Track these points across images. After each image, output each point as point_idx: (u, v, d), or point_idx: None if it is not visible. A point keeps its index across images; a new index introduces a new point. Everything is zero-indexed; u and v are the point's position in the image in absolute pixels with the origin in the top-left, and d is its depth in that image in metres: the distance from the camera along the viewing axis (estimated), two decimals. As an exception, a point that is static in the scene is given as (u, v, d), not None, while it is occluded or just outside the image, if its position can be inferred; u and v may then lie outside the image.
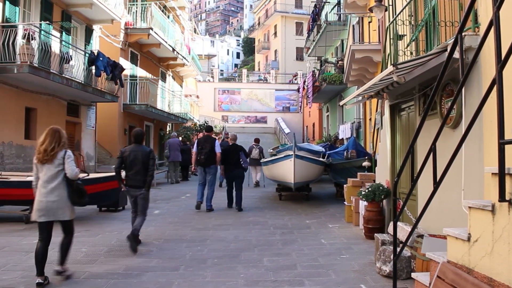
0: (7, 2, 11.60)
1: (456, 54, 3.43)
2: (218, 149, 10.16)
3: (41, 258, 4.86)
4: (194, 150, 10.63)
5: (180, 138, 19.37)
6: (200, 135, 18.66)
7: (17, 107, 12.31)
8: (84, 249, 6.48)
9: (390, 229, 5.93)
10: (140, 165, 6.68)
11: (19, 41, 11.41)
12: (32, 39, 11.32)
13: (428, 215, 3.82)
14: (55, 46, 13.09)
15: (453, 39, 3.48)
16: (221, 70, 58.08)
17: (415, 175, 3.81)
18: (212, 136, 10.61)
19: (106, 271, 5.40)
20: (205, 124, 23.39)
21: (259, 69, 56.28)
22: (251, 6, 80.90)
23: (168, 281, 4.99)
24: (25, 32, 11.37)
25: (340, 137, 19.96)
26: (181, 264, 5.71)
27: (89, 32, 15.88)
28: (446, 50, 4.38)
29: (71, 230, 5.26)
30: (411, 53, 6.67)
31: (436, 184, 3.31)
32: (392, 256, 4.71)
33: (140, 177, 6.67)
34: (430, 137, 4.98)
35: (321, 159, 12.06)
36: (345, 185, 9.42)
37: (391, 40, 7.19)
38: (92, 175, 9.56)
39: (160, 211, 9.91)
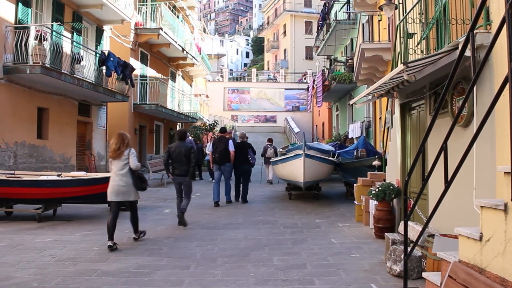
0: (19, 4, 11.75)
1: (468, 52, 3.41)
2: (231, 148, 11.08)
3: (111, 227, 6.43)
4: (210, 150, 11.63)
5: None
6: (210, 134, 18.78)
7: (30, 107, 12.46)
8: (95, 247, 6.54)
9: (401, 228, 5.91)
10: (184, 158, 8.28)
11: (32, 42, 11.55)
12: (44, 40, 11.45)
13: (439, 215, 3.81)
14: (67, 47, 13.23)
15: (464, 37, 3.46)
16: (231, 70, 58.15)
17: (426, 174, 3.79)
18: (226, 136, 11.67)
19: (117, 269, 5.45)
20: (215, 123, 23.46)
21: (268, 68, 56.23)
22: (260, 5, 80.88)
23: (178, 280, 5.02)
24: (37, 33, 11.51)
25: (349, 136, 19.89)
26: (192, 263, 5.74)
27: (99, 33, 16.01)
28: (457, 48, 4.34)
29: (135, 208, 7.01)
30: (422, 52, 6.62)
31: (448, 183, 3.29)
32: (402, 256, 4.69)
33: (184, 167, 8.27)
34: (440, 136, 4.95)
35: (331, 158, 12.03)
36: (355, 184, 9.39)
37: (401, 38, 7.15)
38: (103, 174, 9.65)
39: (171, 210, 9.95)
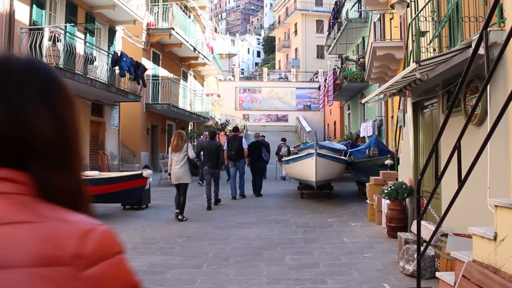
0: (34, 6, 11.90)
1: (481, 50, 3.38)
2: (245, 145, 12.10)
3: (178, 202, 8.70)
4: (225, 148, 12.17)
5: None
6: (222, 133, 19.04)
7: (44, 107, 12.61)
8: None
9: (413, 227, 5.87)
10: (214, 153, 10.27)
11: (46, 43, 11.69)
12: (57, 41, 11.59)
13: (452, 214, 3.78)
14: (80, 48, 13.37)
15: (477, 35, 3.44)
16: (242, 69, 58.19)
17: (439, 173, 3.77)
18: (239, 135, 12.71)
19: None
20: (227, 123, 23.55)
21: (279, 67, 56.17)
22: (271, 4, 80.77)
23: (191, 278, 5.06)
24: (51, 34, 11.65)
25: (361, 135, 19.79)
26: (204, 262, 5.77)
27: (112, 33, 16.15)
28: (470, 46, 4.31)
29: (186, 191, 8.79)
30: (434, 50, 6.58)
31: (461, 182, 3.27)
32: (415, 255, 4.67)
33: (214, 161, 10.26)
34: (453, 134, 4.92)
35: (343, 157, 11.99)
36: (367, 184, 9.35)
37: (414, 36, 7.10)
38: (116, 174, 9.76)
39: None
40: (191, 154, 8.71)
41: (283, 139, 17.45)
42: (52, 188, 0.73)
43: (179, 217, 8.62)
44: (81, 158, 0.83)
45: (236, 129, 13.32)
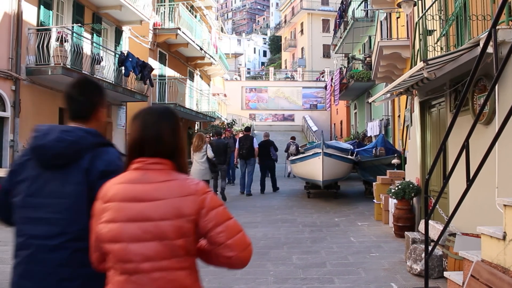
0: (41, 7, 11.98)
1: (490, 49, 3.36)
2: (256, 145, 12.82)
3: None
4: (236, 147, 13.19)
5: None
6: (227, 133, 19.18)
7: (51, 107, 12.70)
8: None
9: (421, 227, 5.85)
10: (222, 150, 11.46)
11: (53, 43, 11.76)
12: (65, 42, 11.65)
13: (460, 213, 3.77)
14: (87, 48, 13.44)
15: (486, 33, 3.42)
16: (248, 69, 58.20)
17: (446, 172, 3.75)
18: (250, 135, 13.48)
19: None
20: (233, 122, 23.66)
21: (286, 67, 56.12)
22: (277, 4, 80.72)
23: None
24: (58, 34, 11.72)
25: (368, 135, 19.74)
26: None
27: (119, 33, 16.21)
28: (478, 44, 4.29)
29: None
30: (441, 49, 6.55)
31: (470, 181, 3.25)
32: (423, 255, 4.65)
33: (222, 157, 11.43)
34: (461, 134, 4.90)
35: (349, 156, 11.97)
36: (374, 183, 9.33)
37: (421, 35, 7.07)
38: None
39: None
40: (210, 153, 9.81)
41: (293, 138, 17.65)
42: (179, 165, 1.70)
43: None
44: (185, 152, 1.78)
45: (248, 129, 14.13)
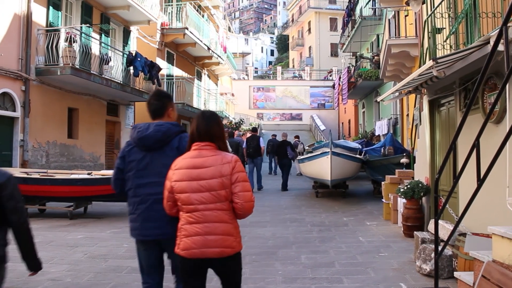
0: (50, 8, 12.07)
1: (500, 47, 3.32)
2: (262, 144, 13.56)
3: None
4: (244, 146, 13.59)
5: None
6: (236, 132, 19.57)
7: (60, 107, 12.79)
8: (125, 244, 6.68)
9: (430, 227, 5.81)
10: (234, 149, 12.23)
11: (62, 44, 11.85)
12: (73, 42, 11.74)
13: (470, 213, 3.73)
14: (95, 48, 13.52)
15: (496, 31, 3.38)
16: (256, 68, 58.17)
17: (456, 172, 3.72)
18: (257, 135, 14.18)
19: (147, 266, 5.54)
20: (241, 122, 23.74)
21: (293, 66, 56.05)
22: (284, 3, 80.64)
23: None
24: (67, 35, 11.81)
25: (376, 134, 19.64)
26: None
27: (126, 33, 16.29)
28: (488, 42, 4.24)
29: None
30: (450, 47, 6.49)
31: (480, 181, 3.22)
32: (432, 255, 4.62)
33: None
34: (471, 132, 4.85)
35: (358, 156, 11.92)
36: (382, 182, 9.28)
37: (429, 33, 7.02)
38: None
39: None
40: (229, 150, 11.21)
41: (297, 137, 17.69)
42: (220, 146, 2.76)
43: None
44: (224, 138, 2.86)
45: (254, 129, 14.97)
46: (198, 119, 2.83)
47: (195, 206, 2.65)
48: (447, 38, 6.61)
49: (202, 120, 2.81)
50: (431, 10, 7.07)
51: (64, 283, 4.86)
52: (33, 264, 2.95)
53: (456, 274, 3.83)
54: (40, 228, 7.92)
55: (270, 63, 74.01)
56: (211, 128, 2.79)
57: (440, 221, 5.13)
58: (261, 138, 13.83)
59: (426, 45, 7.47)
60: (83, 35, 12.48)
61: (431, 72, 5.19)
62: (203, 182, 2.65)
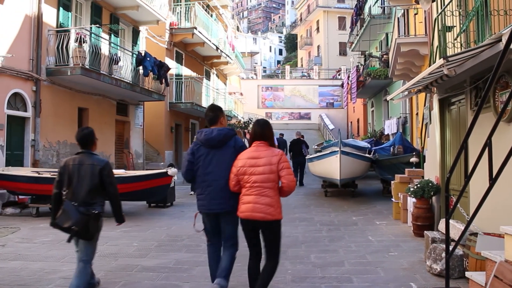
0: (61, 9, 12.16)
1: (513, 45, 3.29)
2: (275, 142, 13.97)
3: None
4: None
5: None
6: (245, 131, 19.72)
7: (71, 107, 12.89)
8: (135, 243, 6.72)
9: (441, 226, 5.77)
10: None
11: (72, 44, 11.93)
12: (83, 42, 11.81)
13: (481, 213, 3.70)
14: (105, 48, 13.60)
15: (509, 28, 3.35)
16: (264, 67, 58.19)
17: (468, 171, 3.69)
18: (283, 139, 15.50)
19: (157, 264, 5.58)
20: (249, 121, 23.86)
21: (302, 65, 55.93)
22: (292, 2, 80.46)
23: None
24: (77, 36, 11.89)
25: (385, 133, 19.54)
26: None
27: (136, 34, 16.36)
28: (500, 40, 4.20)
29: None
30: (461, 45, 6.44)
31: (492, 180, 3.19)
32: (443, 254, 4.59)
33: None
34: (482, 132, 4.82)
35: (367, 155, 11.87)
36: (392, 182, 9.23)
37: (440, 32, 6.97)
38: (141, 172, 9.89)
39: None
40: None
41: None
42: (271, 144, 4.07)
43: None
44: (274, 138, 4.26)
45: (281, 135, 16.09)
46: (255, 126, 4.14)
47: (251, 184, 3.89)
48: (457, 36, 6.56)
49: (258, 126, 4.11)
50: (441, 8, 7.02)
51: (75, 282, 4.90)
52: (120, 219, 4.50)
53: (467, 274, 3.81)
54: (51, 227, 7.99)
55: (278, 62, 73.93)
56: (264, 132, 4.06)
57: (451, 221, 5.09)
58: (275, 137, 14.17)
59: (436, 43, 7.42)
60: (92, 35, 12.56)
61: (442, 70, 5.16)
62: (258, 168, 3.88)
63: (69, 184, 4.13)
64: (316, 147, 16.45)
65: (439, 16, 7.03)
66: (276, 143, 14.41)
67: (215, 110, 4.39)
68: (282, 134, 19.07)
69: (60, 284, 4.84)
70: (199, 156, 4.18)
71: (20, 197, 9.83)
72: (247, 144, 4.31)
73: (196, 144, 4.27)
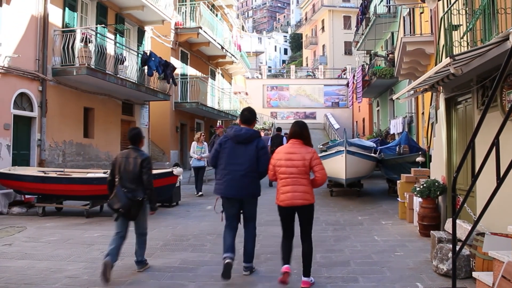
0: (66, 9, 12.21)
1: (520, 43, 3.26)
2: (285, 142, 14.05)
3: None
4: (269, 144, 13.67)
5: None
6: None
7: (76, 107, 12.94)
8: (141, 243, 6.72)
9: (447, 226, 5.74)
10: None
11: (78, 44, 11.98)
12: (89, 42, 11.85)
13: (489, 212, 3.67)
14: (110, 48, 13.64)
15: (516, 28, 3.31)
16: (269, 67, 58.09)
17: (475, 170, 3.66)
18: (281, 134, 14.79)
19: (163, 264, 5.59)
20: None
21: (307, 64, 55.84)
22: (297, 1, 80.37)
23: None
24: (83, 36, 11.94)
25: (391, 132, 19.48)
26: (235, 259, 5.79)
27: (141, 33, 16.40)
28: (507, 39, 4.17)
29: None
30: (467, 44, 6.40)
31: (500, 180, 3.17)
32: (449, 254, 4.57)
33: None
34: (489, 131, 4.78)
35: (372, 154, 11.83)
36: (398, 181, 9.20)
37: (446, 30, 6.93)
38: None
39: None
40: None
41: (280, 129, 15.78)
42: (307, 143, 4.81)
43: None
44: (310, 137, 4.89)
45: (279, 129, 15.65)
46: (295, 126, 4.86)
47: (287, 175, 4.64)
48: (464, 35, 6.52)
49: (297, 127, 4.83)
50: (447, 6, 6.98)
51: (81, 281, 4.92)
52: (153, 207, 5.34)
53: (474, 274, 3.78)
54: (57, 226, 8.04)
55: (283, 61, 73.87)
56: (302, 132, 4.79)
57: (457, 220, 5.06)
58: (284, 137, 14.09)
59: (442, 42, 7.39)
60: (98, 35, 12.60)
61: (448, 69, 5.13)
62: (294, 162, 4.63)
63: (118, 173, 5.22)
64: (321, 146, 16.39)
65: (445, 15, 7.00)
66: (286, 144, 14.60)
67: (252, 113, 5.30)
68: (285, 134, 19.03)
69: (66, 283, 4.86)
70: (225, 148, 4.99)
71: (27, 196, 9.88)
72: (285, 143, 5.47)
73: (225, 137, 5.08)
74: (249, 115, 5.20)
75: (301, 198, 4.59)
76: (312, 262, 4.76)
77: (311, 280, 4.72)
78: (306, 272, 4.69)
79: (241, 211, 5.10)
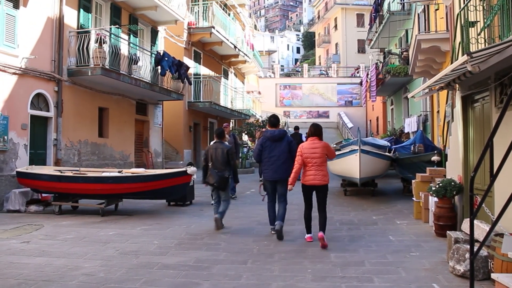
0: (81, 10, 12.34)
1: (540, 40, 3.20)
2: (304, 139, 15.46)
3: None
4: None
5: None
6: (263, 130, 19.71)
7: (91, 107, 13.07)
8: (156, 241, 6.77)
9: (464, 226, 5.67)
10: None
11: (92, 45, 12.09)
12: (103, 43, 11.96)
13: (508, 213, 3.61)
14: (124, 48, 13.75)
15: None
16: (282, 66, 57.98)
17: (493, 170, 3.60)
18: (299, 132, 15.45)
19: (178, 262, 5.61)
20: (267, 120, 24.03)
21: (320, 63, 55.61)
22: (310, 0, 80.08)
23: (237, 274, 5.10)
24: (97, 36, 12.05)
25: (405, 131, 19.29)
26: (249, 258, 5.80)
27: (154, 34, 16.50)
28: (526, 36, 4.09)
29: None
30: (485, 41, 6.29)
31: (519, 179, 3.11)
32: (467, 255, 4.51)
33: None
34: (508, 129, 4.70)
35: (387, 153, 11.72)
36: (413, 181, 9.10)
37: (462, 27, 6.83)
38: (162, 171, 9.96)
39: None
40: None
41: (297, 128, 16.40)
42: (321, 139, 6.76)
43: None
44: (322, 135, 6.82)
45: (297, 127, 16.29)
46: (312, 128, 6.72)
47: (313, 163, 6.47)
48: (481, 32, 6.41)
49: (313, 128, 6.70)
50: (463, 3, 6.88)
51: (97, 278, 4.97)
52: (236, 180, 8.12)
53: (493, 275, 3.72)
54: (74, 225, 8.13)
55: (296, 60, 73.66)
56: (317, 132, 6.67)
57: (474, 221, 4.99)
58: (302, 135, 14.35)
59: (458, 39, 7.28)
60: (112, 36, 12.70)
61: (465, 67, 5.05)
62: (316, 153, 6.49)
63: (211, 159, 7.60)
64: (335, 145, 16.30)
65: (461, 11, 6.90)
66: (304, 141, 15.20)
67: (277, 118, 7.40)
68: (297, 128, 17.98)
69: (83, 280, 4.91)
70: (266, 146, 7.06)
71: (43, 195, 10.01)
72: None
73: (264, 138, 7.18)
74: (274, 120, 7.31)
75: (320, 180, 6.44)
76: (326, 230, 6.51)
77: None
78: (323, 229, 6.39)
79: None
